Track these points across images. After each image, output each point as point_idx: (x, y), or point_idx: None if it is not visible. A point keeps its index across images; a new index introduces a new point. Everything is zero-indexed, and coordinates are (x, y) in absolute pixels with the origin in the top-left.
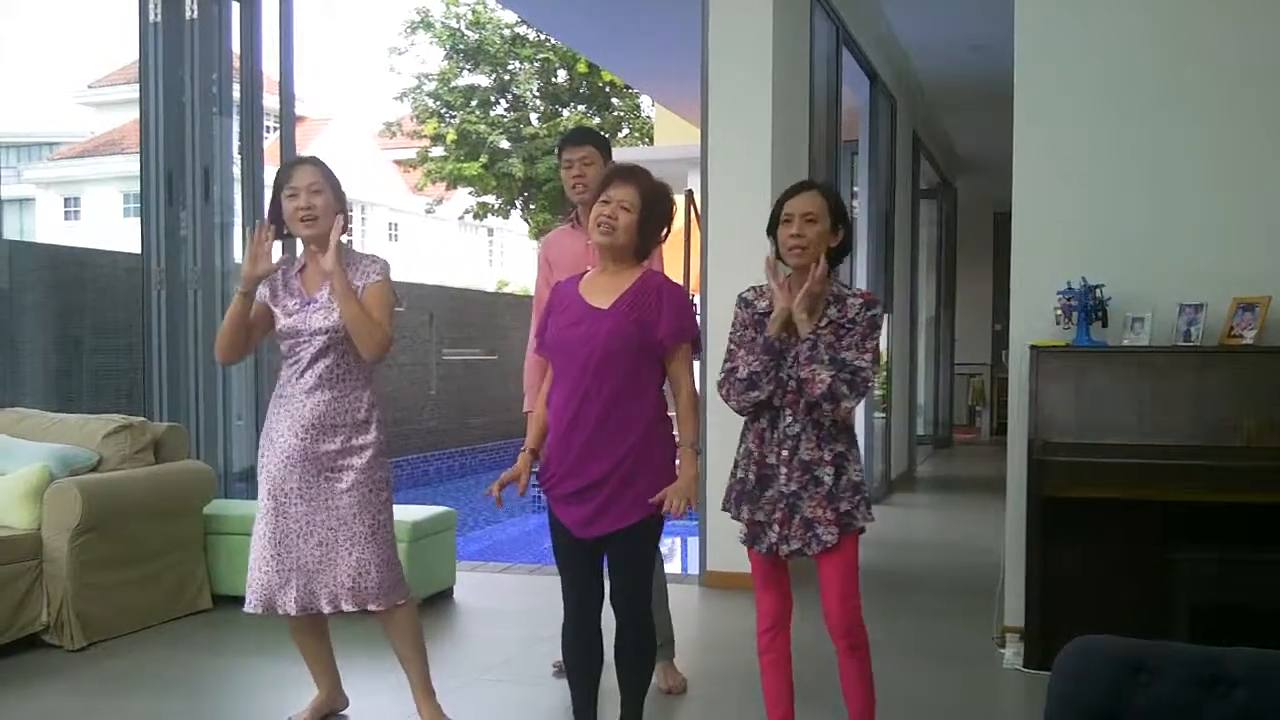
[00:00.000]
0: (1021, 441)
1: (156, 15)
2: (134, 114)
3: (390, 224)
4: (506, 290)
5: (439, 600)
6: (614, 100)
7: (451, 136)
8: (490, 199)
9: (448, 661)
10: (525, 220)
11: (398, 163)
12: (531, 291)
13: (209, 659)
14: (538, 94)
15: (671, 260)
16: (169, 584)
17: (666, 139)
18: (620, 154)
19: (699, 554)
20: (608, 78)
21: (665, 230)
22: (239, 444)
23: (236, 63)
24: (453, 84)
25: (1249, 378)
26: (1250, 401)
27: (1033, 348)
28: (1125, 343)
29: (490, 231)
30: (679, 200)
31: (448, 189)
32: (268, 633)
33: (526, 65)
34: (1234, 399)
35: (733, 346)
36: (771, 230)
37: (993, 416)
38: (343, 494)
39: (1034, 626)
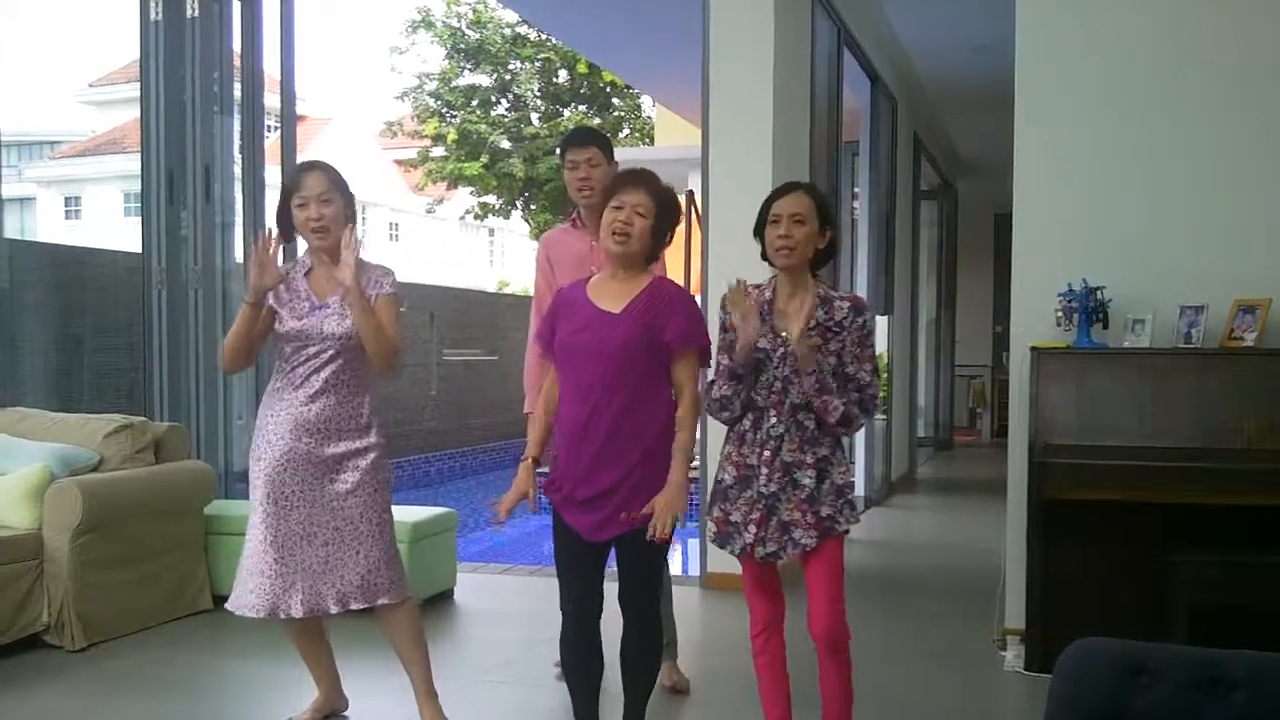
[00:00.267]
0: (1022, 443)
1: (157, 14)
2: (135, 113)
3: (391, 224)
4: (507, 291)
5: (439, 601)
6: (615, 100)
7: (452, 136)
8: (491, 199)
9: (448, 663)
10: (526, 220)
11: (398, 162)
12: (533, 292)
13: (209, 659)
14: (539, 94)
15: (672, 261)
16: (169, 584)
17: (667, 139)
18: (621, 154)
19: (699, 556)
20: (608, 78)
21: (670, 237)
22: (239, 444)
23: (237, 61)
24: (454, 84)
25: (1250, 380)
26: (1251, 404)
27: (1033, 349)
28: (1126, 345)
29: (491, 232)
30: (680, 200)
31: (448, 189)
32: (268, 634)
33: (527, 65)
34: (1235, 401)
35: (718, 355)
36: (758, 231)
37: (993, 418)
38: (347, 496)
39: (1035, 629)
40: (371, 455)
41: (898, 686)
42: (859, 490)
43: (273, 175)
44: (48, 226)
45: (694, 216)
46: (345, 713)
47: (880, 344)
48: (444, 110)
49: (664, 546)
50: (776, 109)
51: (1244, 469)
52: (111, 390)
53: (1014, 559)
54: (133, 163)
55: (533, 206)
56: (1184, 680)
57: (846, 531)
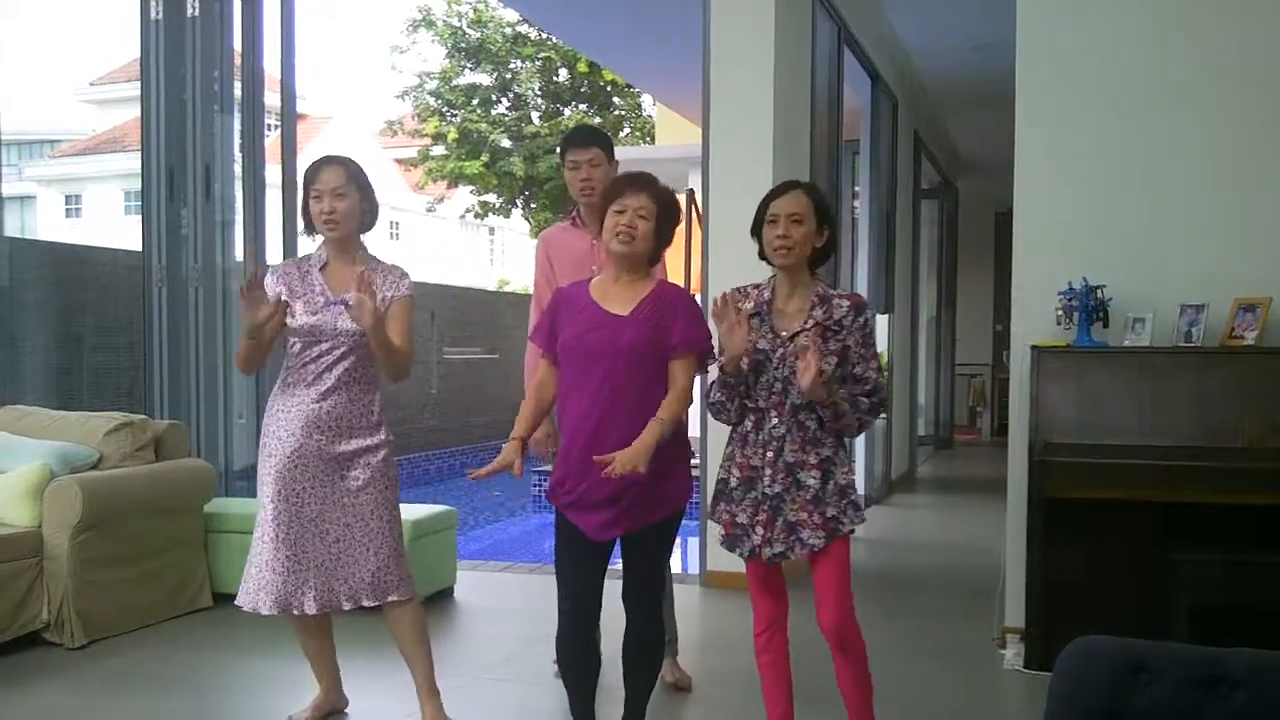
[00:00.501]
0: (1022, 442)
1: (158, 13)
2: (135, 111)
3: (391, 223)
4: (508, 289)
5: (439, 599)
6: (615, 99)
7: (453, 135)
8: (491, 198)
9: (448, 660)
10: (526, 219)
11: (399, 161)
12: (532, 290)
13: (209, 657)
14: (539, 93)
15: (672, 261)
16: (169, 582)
17: (667, 138)
18: (621, 153)
19: (699, 554)
20: (609, 77)
21: (671, 237)
22: (240, 442)
23: (238, 60)
24: (454, 83)
25: (1250, 379)
26: (1251, 403)
27: (1034, 348)
28: (1126, 343)
29: (491, 230)
30: (680, 200)
31: (449, 188)
32: (268, 631)
33: (528, 64)
34: (1235, 400)
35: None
36: (756, 230)
37: (994, 417)
38: (359, 493)
39: (1035, 627)
40: (382, 453)
41: (898, 685)
42: (859, 489)
43: (273, 174)
44: (48, 225)
45: (694, 216)
46: (345, 710)
47: (880, 343)
48: (444, 109)
49: (668, 546)
50: (777, 108)
51: (1244, 468)
52: (111, 388)
53: (1014, 557)
54: (133, 161)
55: (533, 205)
56: (1184, 679)
57: (851, 532)
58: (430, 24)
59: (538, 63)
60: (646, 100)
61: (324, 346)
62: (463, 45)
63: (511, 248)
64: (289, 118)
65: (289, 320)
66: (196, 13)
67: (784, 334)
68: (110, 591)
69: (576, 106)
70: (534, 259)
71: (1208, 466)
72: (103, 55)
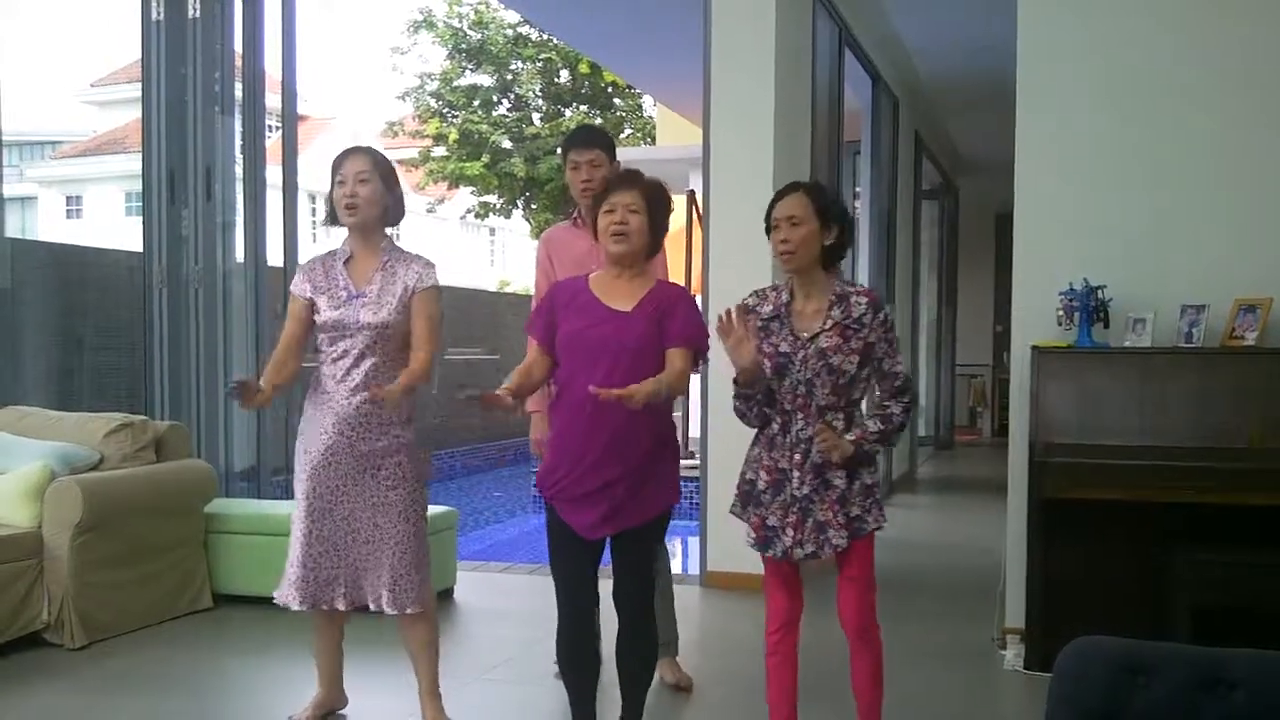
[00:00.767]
0: (1023, 443)
1: (159, 14)
2: (136, 113)
3: None
4: (508, 290)
5: (439, 600)
6: (616, 100)
7: (453, 136)
8: (492, 199)
9: (448, 661)
10: (527, 220)
11: (400, 162)
12: (532, 292)
13: (209, 658)
14: (540, 94)
15: (673, 260)
16: (170, 583)
17: (668, 139)
18: (622, 154)
19: (699, 554)
20: (610, 78)
21: (665, 228)
22: (240, 443)
23: (239, 61)
24: (455, 84)
25: (1251, 379)
26: (1252, 403)
27: (1034, 349)
28: (1127, 344)
29: (492, 231)
30: (680, 200)
31: (450, 189)
32: (269, 632)
33: (529, 65)
34: (1236, 401)
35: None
36: (769, 234)
37: (994, 418)
38: (388, 492)
39: (1035, 627)
40: (407, 450)
41: (898, 685)
42: None
43: (274, 175)
44: (49, 226)
45: (695, 216)
46: (344, 710)
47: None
48: (445, 110)
49: (658, 545)
50: (778, 109)
51: (1245, 468)
52: (112, 389)
53: (1014, 558)
54: (134, 162)
55: (534, 206)
56: (1183, 679)
57: (879, 529)
58: (431, 25)
59: (539, 64)
60: (647, 101)
61: (348, 342)
62: (464, 46)
63: (512, 249)
64: (290, 119)
65: (316, 316)
66: (197, 14)
67: (804, 335)
68: (111, 592)
69: (577, 108)
70: (535, 259)
71: (1208, 467)
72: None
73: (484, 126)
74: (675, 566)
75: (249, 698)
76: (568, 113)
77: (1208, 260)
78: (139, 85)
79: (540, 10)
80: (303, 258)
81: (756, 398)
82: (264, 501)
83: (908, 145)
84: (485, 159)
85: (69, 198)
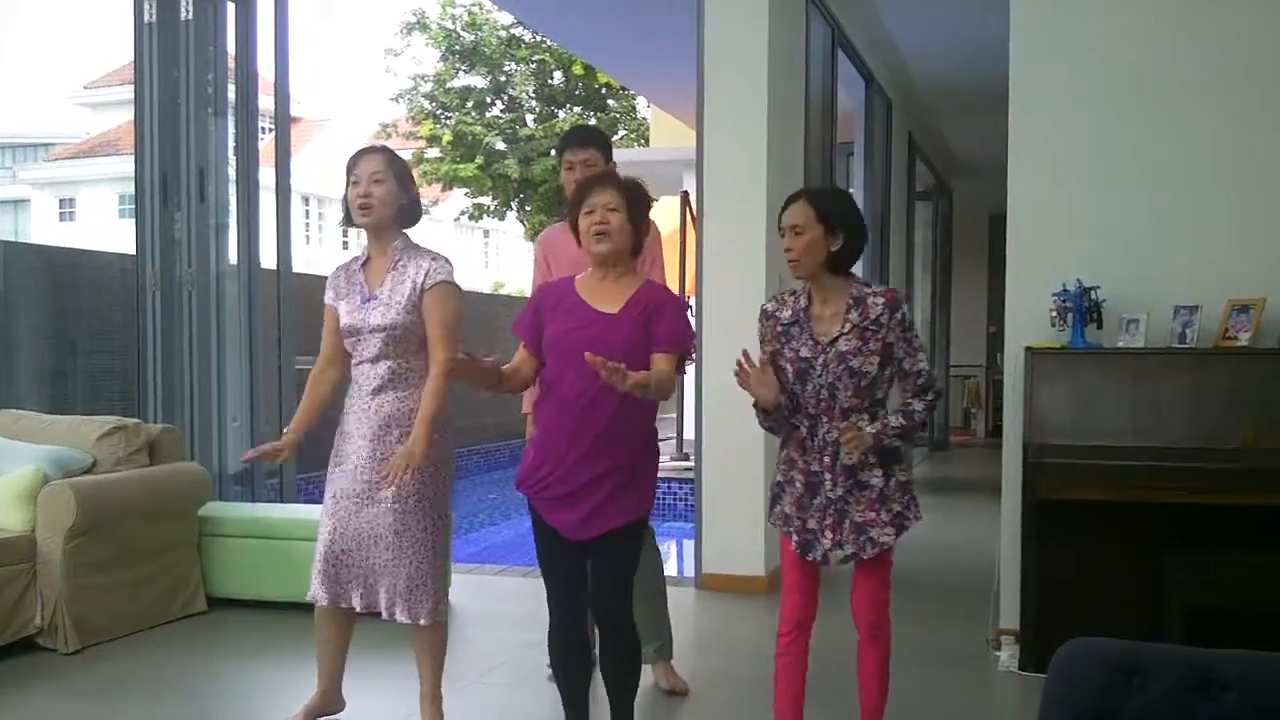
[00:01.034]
0: (1017, 444)
1: (151, 16)
2: (129, 115)
3: None
4: (502, 292)
5: None
6: (610, 102)
7: (447, 138)
8: (486, 200)
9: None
10: (521, 222)
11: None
12: (527, 293)
13: (204, 662)
14: (534, 95)
15: (667, 262)
16: (164, 587)
17: (662, 140)
18: (616, 155)
19: (694, 556)
20: (603, 79)
21: (648, 223)
22: (234, 446)
23: (232, 63)
24: (448, 85)
25: (1244, 380)
26: (1245, 404)
27: (1028, 350)
28: (1120, 344)
29: (486, 233)
30: (674, 201)
31: (443, 190)
32: (263, 635)
33: (522, 67)
34: (1229, 401)
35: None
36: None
37: (988, 418)
38: (409, 498)
39: (1029, 628)
40: (434, 454)
41: (893, 685)
42: None
43: (267, 177)
44: (42, 228)
45: (688, 217)
46: (341, 715)
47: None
48: (439, 112)
49: (639, 550)
50: (771, 110)
51: (1238, 469)
52: (105, 392)
53: (1008, 559)
54: (127, 165)
55: (528, 208)
56: (1177, 680)
57: (914, 524)
58: (425, 27)
59: (532, 65)
60: (641, 103)
61: (364, 346)
62: (457, 48)
63: (506, 250)
64: (283, 121)
65: (340, 321)
66: (190, 16)
67: (824, 340)
68: (104, 596)
69: (571, 109)
70: (532, 259)
71: (1202, 467)
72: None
73: (478, 128)
74: (670, 568)
75: (243, 701)
76: (561, 114)
77: (1201, 261)
78: (132, 87)
79: (534, 12)
80: (296, 260)
81: (780, 414)
82: (258, 505)
83: (901, 146)
84: (479, 161)
85: (62, 200)
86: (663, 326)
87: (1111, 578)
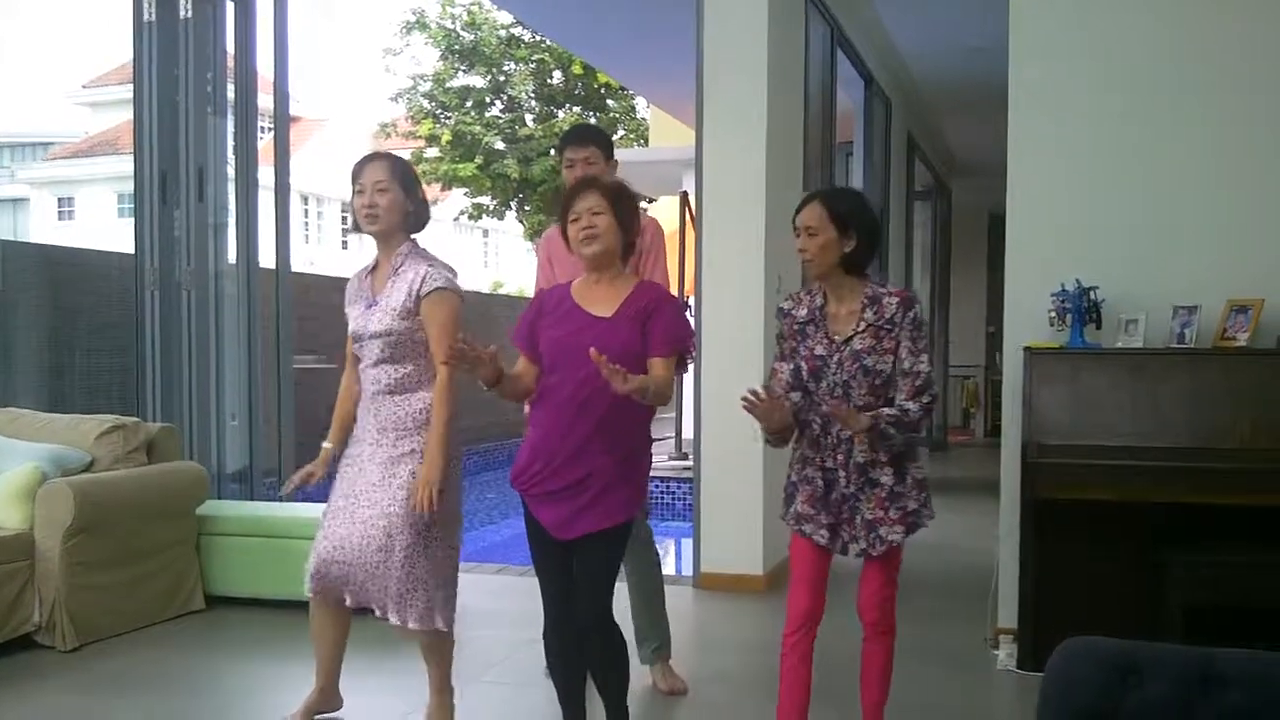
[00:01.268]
0: (1015, 443)
1: (151, 15)
2: (129, 114)
3: None
4: (501, 291)
5: None
6: (609, 102)
7: (446, 137)
8: (485, 200)
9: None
10: (520, 221)
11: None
12: (527, 293)
13: (202, 660)
14: (533, 95)
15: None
16: (162, 585)
17: (662, 140)
18: (615, 155)
19: (692, 555)
20: (603, 79)
21: (639, 222)
22: (232, 445)
23: (231, 63)
24: (448, 85)
25: (1242, 380)
26: (1244, 404)
27: (1027, 350)
28: (1119, 345)
29: (485, 233)
30: (674, 201)
31: (443, 190)
32: (261, 633)
33: (522, 66)
34: (1228, 401)
35: (776, 365)
36: None
37: (987, 418)
38: (405, 501)
39: (1027, 628)
40: (420, 458)
41: (891, 684)
42: None
43: (266, 176)
44: (41, 227)
45: (688, 217)
46: (340, 712)
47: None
48: (438, 111)
49: (620, 547)
50: (770, 110)
51: (1237, 468)
52: (104, 391)
53: (1007, 558)
54: (126, 164)
55: (527, 208)
56: (1175, 679)
57: (924, 525)
58: (424, 26)
59: (531, 65)
60: (640, 103)
61: (367, 350)
62: (456, 48)
63: (505, 250)
64: (282, 120)
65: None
66: (189, 15)
67: (838, 338)
68: (102, 594)
69: (570, 109)
70: (535, 260)
71: (1200, 467)
72: (96, 57)
73: (477, 128)
74: (668, 568)
75: (242, 699)
76: (561, 114)
77: (1200, 261)
78: (131, 86)
79: (533, 11)
80: (295, 259)
81: (790, 431)
82: (256, 503)
83: (900, 146)
84: (478, 160)
85: (61, 199)
86: (659, 328)
87: (1110, 577)
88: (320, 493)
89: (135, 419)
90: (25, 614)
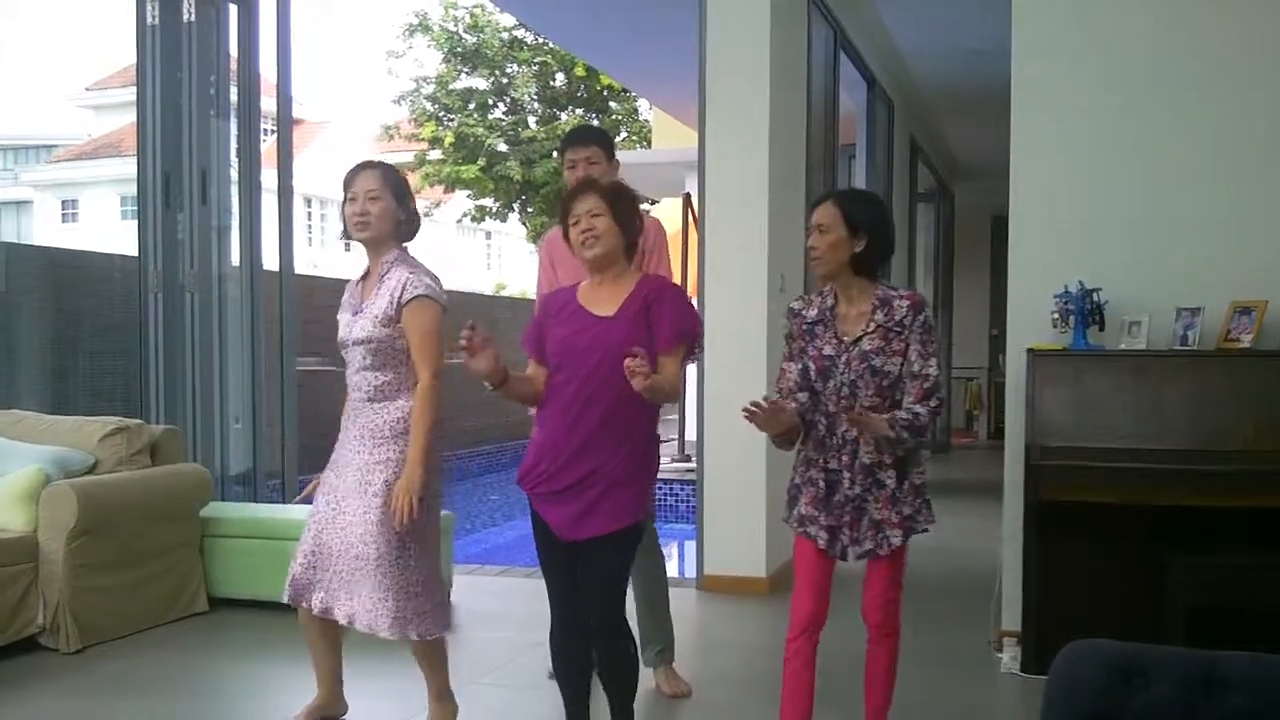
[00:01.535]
0: (1019, 445)
1: (154, 18)
2: (132, 116)
3: None
4: (504, 293)
5: None
6: (612, 104)
7: (449, 139)
8: (488, 202)
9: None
10: (523, 223)
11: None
12: (530, 294)
13: (205, 662)
14: (536, 97)
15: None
16: (165, 587)
17: (664, 142)
18: (618, 157)
19: (696, 557)
20: (606, 81)
21: (641, 221)
22: (236, 447)
23: (234, 66)
24: (450, 87)
25: (1246, 382)
26: (1247, 405)
27: (1030, 351)
28: (1122, 346)
29: (488, 235)
30: (677, 203)
31: (445, 192)
32: (265, 635)
33: (524, 68)
34: (1231, 403)
35: (785, 365)
36: None
37: (990, 420)
38: (379, 509)
39: (1031, 630)
40: (395, 467)
41: (895, 686)
42: None
43: (269, 179)
44: (44, 230)
45: (690, 219)
46: (344, 718)
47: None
48: (441, 114)
49: (632, 555)
50: (773, 112)
51: (1240, 470)
52: (107, 393)
53: (1010, 561)
54: (129, 166)
55: (530, 209)
56: (1179, 682)
57: (926, 530)
58: (426, 29)
59: (534, 67)
60: (643, 105)
61: (351, 357)
62: (459, 50)
63: (508, 252)
64: (285, 122)
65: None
66: (193, 18)
67: (847, 339)
68: (106, 596)
69: (573, 111)
70: (537, 261)
71: (1204, 470)
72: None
73: (480, 130)
74: (671, 570)
75: (245, 701)
76: (564, 116)
77: (1203, 263)
78: (134, 89)
79: (536, 13)
80: (298, 261)
81: (797, 434)
82: (259, 505)
83: (903, 148)
84: (481, 162)
85: (64, 201)
86: (663, 322)
87: (1113, 579)
88: None
89: (139, 421)
90: (29, 616)
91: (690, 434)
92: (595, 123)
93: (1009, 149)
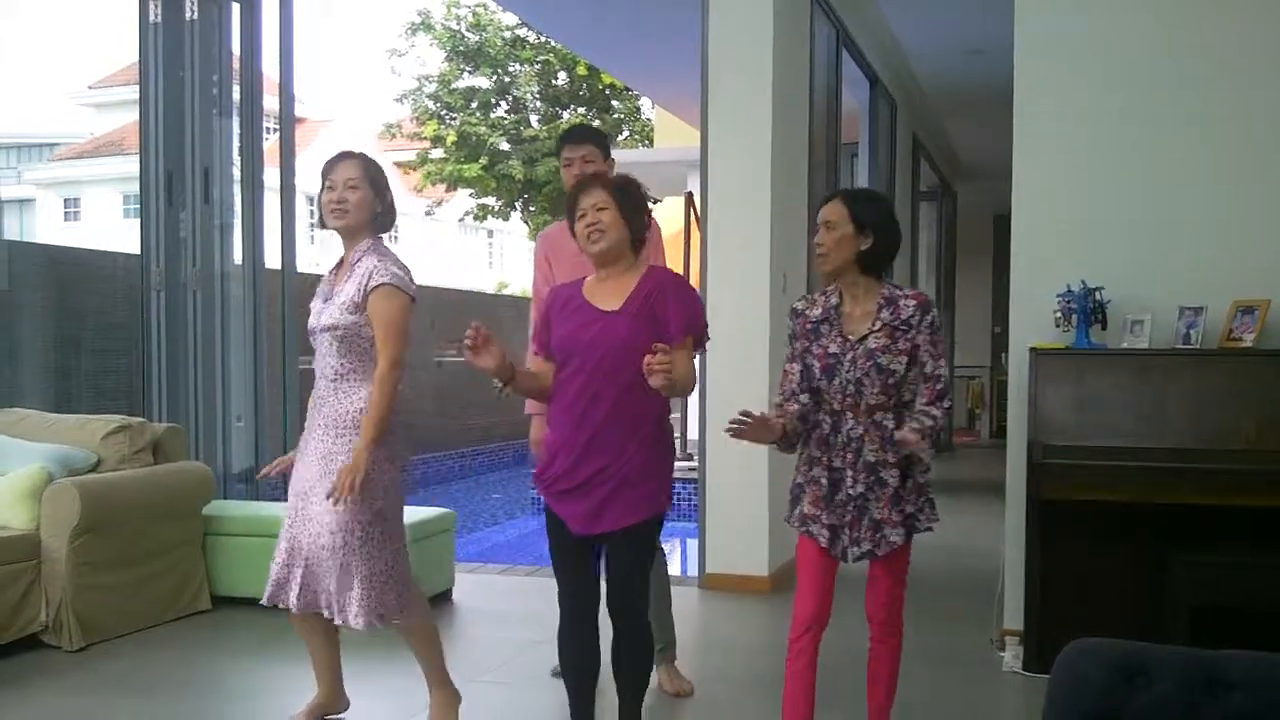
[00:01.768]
0: (1021, 444)
1: (156, 16)
2: (134, 115)
3: None
4: (506, 292)
5: (437, 602)
6: (614, 102)
7: (451, 138)
8: (490, 201)
9: (447, 663)
10: (525, 222)
11: (398, 164)
12: (529, 293)
13: (208, 660)
14: (538, 96)
15: (672, 263)
16: (168, 585)
17: (666, 141)
18: (620, 156)
19: (698, 556)
20: (608, 80)
21: (647, 216)
22: (238, 445)
23: (236, 64)
24: (453, 86)
25: (1248, 381)
26: (1250, 404)
27: (1032, 350)
28: (1125, 345)
29: (490, 233)
30: (679, 202)
31: (448, 191)
32: (267, 634)
33: (527, 67)
34: (1233, 402)
35: (787, 366)
36: None
37: (992, 419)
38: (343, 499)
39: (1033, 629)
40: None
41: (897, 686)
42: None
43: (271, 177)
44: (47, 228)
45: (693, 218)
46: (345, 714)
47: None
48: (443, 112)
49: (654, 547)
50: (775, 111)
51: (1243, 469)
52: (110, 391)
53: (1013, 560)
54: (132, 165)
55: (531, 208)
56: (1181, 681)
57: (929, 529)
58: (429, 27)
59: (536, 66)
60: (646, 103)
61: (318, 344)
62: (461, 48)
63: (510, 251)
64: (287, 121)
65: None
66: (195, 16)
67: (853, 337)
68: (108, 594)
69: (575, 110)
70: (533, 259)
71: (1206, 468)
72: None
73: (482, 129)
74: (674, 568)
75: (247, 699)
76: (566, 115)
77: (1206, 262)
78: (136, 87)
79: (538, 12)
80: (300, 260)
81: (797, 435)
82: (261, 503)
83: (905, 147)
84: (483, 161)
85: (67, 200)
86: (671, 315)
87: (1115, 578)
88: None
89: (141, 419)
90: (32, 614)
91: (692, 433)
92: (597, 122)
93: (1011, 148)
